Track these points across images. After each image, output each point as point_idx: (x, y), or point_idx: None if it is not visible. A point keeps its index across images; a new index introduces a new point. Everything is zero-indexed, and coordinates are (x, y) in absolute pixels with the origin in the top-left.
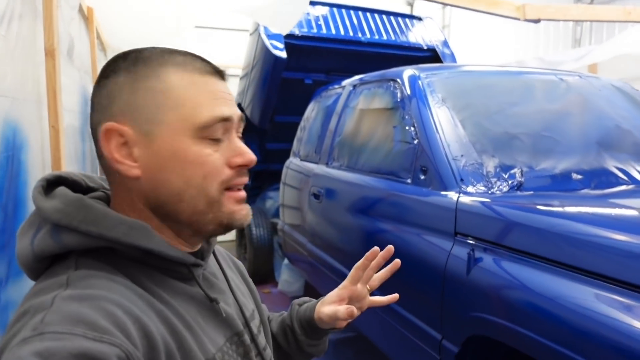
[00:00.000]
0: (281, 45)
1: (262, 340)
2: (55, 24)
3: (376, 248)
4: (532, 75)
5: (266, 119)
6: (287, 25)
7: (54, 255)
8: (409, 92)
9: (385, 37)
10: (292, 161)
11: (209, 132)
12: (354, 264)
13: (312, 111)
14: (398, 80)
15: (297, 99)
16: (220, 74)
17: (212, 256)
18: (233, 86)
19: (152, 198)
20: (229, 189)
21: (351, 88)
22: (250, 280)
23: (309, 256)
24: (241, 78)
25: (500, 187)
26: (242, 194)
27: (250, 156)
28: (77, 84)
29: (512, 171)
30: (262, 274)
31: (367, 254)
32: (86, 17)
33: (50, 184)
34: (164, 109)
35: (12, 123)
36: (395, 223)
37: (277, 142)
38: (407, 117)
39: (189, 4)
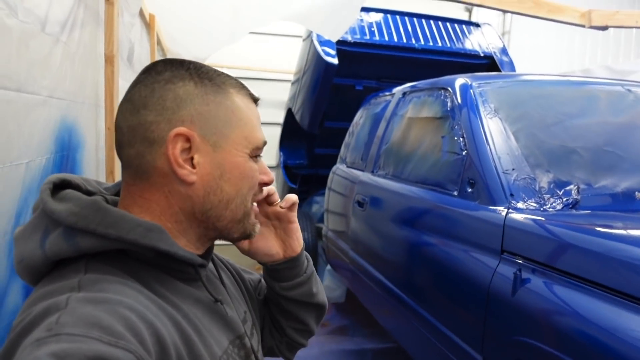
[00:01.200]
0: (333, 52)
1: (254, 342)
2: (116, 32)
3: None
4: (596, 85)
5: (315, 124)
6: (337, 32)
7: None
8: (459, 101)
9: (440, 44)
10: (339, 167)
11: (258, 152)
12: (395, 276)
13: (360, 118)
14: (449, 88)
15: (348, 105)
16: (256, 101)
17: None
18: (285, 91)
19: (199, 203)
20: (254, 202)
21: (401, 95)
22: (245, 279)
23: (350, 264)
24: (293, 83)
25: (554, 204)
26: (257, 208)
27: (272, 176)
28: None
29: (567, 188)
30: None
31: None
32: (147, 23)
33: (55, 187)
34: (231, 125)
35: (69, 124)
36: (439, 236)
37: (326, 148)
38: (456, 127)
39: (244, 11)
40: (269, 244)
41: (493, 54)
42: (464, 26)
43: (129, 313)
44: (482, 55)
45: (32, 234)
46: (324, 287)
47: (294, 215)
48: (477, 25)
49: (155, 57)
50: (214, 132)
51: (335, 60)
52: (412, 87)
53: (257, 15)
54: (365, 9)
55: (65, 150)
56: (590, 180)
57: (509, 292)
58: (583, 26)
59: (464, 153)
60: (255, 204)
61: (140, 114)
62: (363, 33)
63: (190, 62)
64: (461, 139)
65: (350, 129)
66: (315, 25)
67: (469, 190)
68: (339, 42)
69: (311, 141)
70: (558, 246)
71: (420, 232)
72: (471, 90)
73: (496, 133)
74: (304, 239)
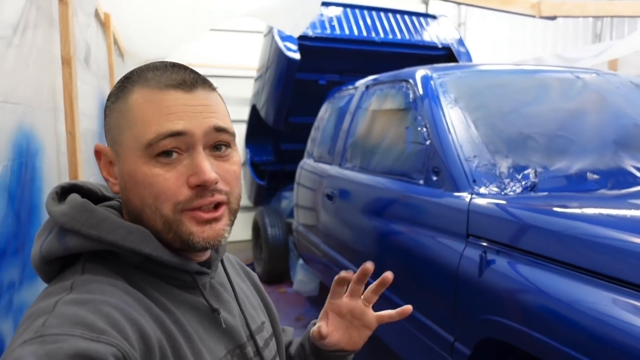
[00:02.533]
0: (294, 47)
1: (268, 354)
2: (71, 32)
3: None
4: (548, 73)
5: (280, 120)
6: (299, 27)
7: (63, 258)
8: (421, 92)
9: (399, 37)
10: (306, 162)
11: (156, 150)
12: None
13: (325, 112)
14: (410, 80)
15: (312, 99)
16: (187, 85)
17: (221, 265)
18: (249, 88)
19: (129, 213)
20: (193, 209)
21: (364, 89)
22: (264, 292)
23: (322, 257)
24: (256, 80)
25: (514, 188)
26: (206, 215)
27: (206, 176)
28: (94, 90)
29: (525, 172)
30: (277, 274)
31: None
32: (103, 22)
33: (65, 192)
34: (121, 130)
35: (26, 130)
36: (407, 224)
37: (292, 143)
38: (419, 117)
39: (204, 8)
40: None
41: (450, 45)
42: (421, 18)
43: (113, 311)
44: (440, 46)
45: (41, 235)
46: (298, 281)
47: (376, 324)
48: (434, 17)
49: (113, 58)
50: (114, 142)
51: (297, 56)
52: (374, 80)
53: (217, 12)
54: (325, 4)
55: (24, 157)
56: (546, 163)
57: (475, 273)
58: (533, 16)
59: (427, 143)
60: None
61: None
62: (324, 27)
63: (131, 72)
64: (424, 129)
65: (316, 123)
66: (276, 22)
67: (434, 178)
68: (300, 37)
69: (277, 137)
70: (519, 227)
71: (389, 221)
72: (432, 82)
73: (457, 122)
74: (275, 236)
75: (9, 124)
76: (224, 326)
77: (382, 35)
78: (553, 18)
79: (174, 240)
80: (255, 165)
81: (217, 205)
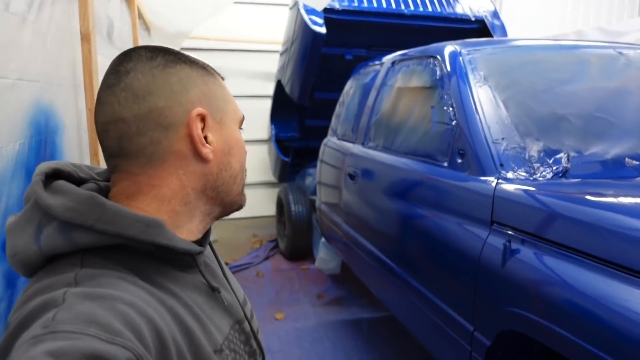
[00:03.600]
0: (320, 21)
1: (254, 325)
2: (91, 8)
3: None
4: (587, 49)
5: (305, 96)
6: (323, 0)
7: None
8: (448, 69)
9: (430, 9)
10: (330, 139)
11: (241, 125)
12: (387, 248)
13: (350, 88)
14: (438, 56)
15: (338, 75)
16: (223, 79)
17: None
18: (274, 62)
19: (212, 180)
20: None
21: (390, 65)
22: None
23: (344, 236)
24: (281, 54)
25: (544, 173)
26: None
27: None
28: None
29: (557, 156)
30: (300, 251)
31: None
32: None
33: (47, 177)
34: (226, 101)
35: (44, 107)
36: (430, 208)
37: (317, 119)
38: (445, 96)
39: None
40: None
41: (484, 17)
42: None
43: (128, 309)
44: (473, 19)
45: (25, 227)
46: (319, 259)
47: None
48: None
49: (138, 32)
50: (217, 110)
51: (323, 30)
52: (401, 55)
53: None
54: None
55: (42, 135)
56: (580, 147)
57: (498, 262)
58: None
59: (453, 123)
60: None
61: (148, 101)
62: (351, 0)
63: (170, 49)
64: (450, 109)
65: (341, 99)
66: None
67: (459, 160)
68: (326, 10)
69: (302, 113)
70: (548, 216)
71: (411, 204)
72: (460, 58)
73: (486, 102)
74: (298, 212)
75: (25, 101)
76: (225, 304)
77: (411, 7)
78: None
79: (240, 201)
80: (280, 142)
81: None
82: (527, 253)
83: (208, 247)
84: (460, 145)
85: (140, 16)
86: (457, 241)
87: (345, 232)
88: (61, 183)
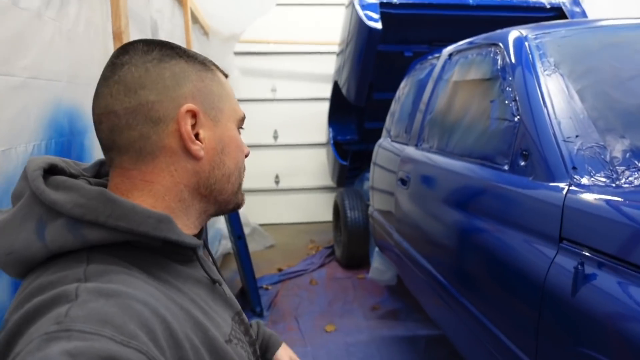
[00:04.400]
0: (376, 16)
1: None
2: (124, 6)
3: None
4: None
5: (362, 97)
6: None
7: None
8: (512, 57)
9: None
10: (383, 141)
11: (242, 124)
12: (439, 263)
13: (405, 86)
14: (500, 44)
15: (397, 74)
16: (226, 77)
17: None
18: (330, 64)
19: (204, 178)
20: None
21: (447, 57)
22: None
23: (395, 246)
24: (338, 55)
25: (631, 179)
26: None
27: (248, 149)
28: None
29: None
30: (356, 259)
31: None
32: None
33: (45, 172)
34: (222, 98)
35: (67, 108)
36: (488, 219)
37: (377, 121)
38: (508, 88)
39: None
40: None
41: (562, 4)
42: None
43: (142, 308)
44: (548, 7)
45: (22, 224)
46: (374, 269)
47: None
48: None
49: (191, 34)
50: (212, 107)
51: (379, 25)
52: (460, 45)
53: None
54: None
55: (65, 136)
56: None
57: (568, 290)
58: None
59: (516, 119)
60: None
61: (139, 95)
62: None
63: (169, 42)
64: (513, 103)
65: (396, 96)
66: None
67: (522, 163)
68: (383, 5)
69: (361, 115)
70: (635, 234)
71: (467, 214)
72: (526, 44)
73: (556, 93)
74: (354, 219)
75: (42, 101)
76: (228, 296)
77: None
78: None
79: (236, 200)
80: (338, 145)
81: None
82: (605, 280)
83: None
84: (523, 145)
85: (196, 20)
86: (519, 260)
87: (397, 242)
88: (63, 179)
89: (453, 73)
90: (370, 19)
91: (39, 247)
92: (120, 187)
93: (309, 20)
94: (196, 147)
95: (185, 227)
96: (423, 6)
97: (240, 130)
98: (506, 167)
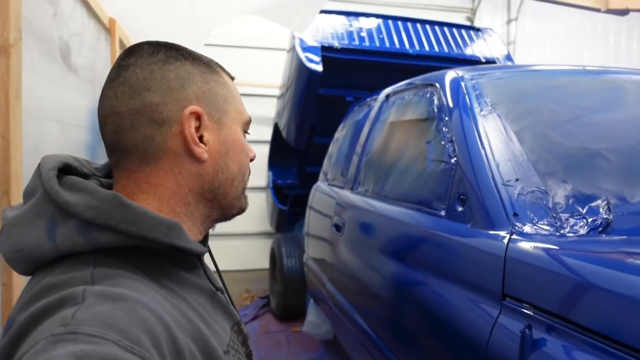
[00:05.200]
0: (317, 58)
1: (244, 327)
2: (15, 17)
3: None
4: (618, 74)
5: (302, 140)
6: (304, 24)
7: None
8: (449, 97)
9: (437, 49)
10: (320, 184)
11: (247, 127)
12: (374, 318)
13: (342, 129)
14: (437, 84)
15: (339, 118)
16: (233, 79)
17: None
18: (271, 106)
19: (208, 182)
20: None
21: (384, 98)
22: None
23: (329, 298)
24: (278, 98)
25: (575, 227)
26: None
27: (254, 152)
28: (84, 96)
29: (593, 204)
30: (292, 310)
31: None
32: (107, 28)
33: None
34: (228, 101)
35: None
36: (425, 270)
37: (319, 165)
38: (444, 128)
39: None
40: None
41: (496, 59)
42: (463, 31)
43: (148, 314)
44: (483, 60)
45: (33, 222)
46: (309, 322)
47: None
48: (478, 30)
49: None
50: (217, 109)
51: (319, 67)
52: (398, 87)
53: (217, 12)
54: (354, 14)
55: None
56: (624, 192)
57: (515, 356)
58: (599, 10)
59: (452, 161)
60: None
61: (143, 96)
62: (351, 39)
63: (174, 44)
64: (449, 144)
65: (332, 143)
66: (279, 19)
67: (459, 208)
68: (324, 49)
69: (302, 159)
70: (585, 291)
71: (403, 264)
72: (463, 84)
73: (493, 134)
74: (291, 267)
75: None
76: (228, 305)
77: (417, 47)
78: (624, 12)
79: (240, 204)
80: (277, 189)
81: None
82: (555, 347)
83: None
84: (461, 189)
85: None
86: (459, 320)
87: (330, 294)
88: (76, 179)
89: (390, 114)
90: (311, 61)
91: (49, 247)
92: (126, 189)
93: (251, 63)
94: (200, 150)
95: (191, 233)
96: (364, 52)
97: (246, 133)
98: (443, 213)
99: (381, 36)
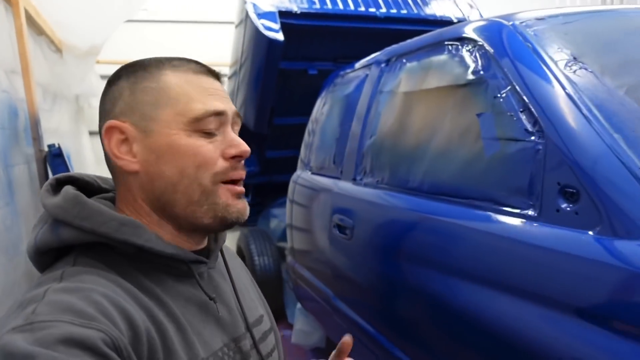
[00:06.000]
0: (276, 26)
1: (264, 348)
2: None
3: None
4: None
5: (263, 122)
6: None
7: (57, 250)
8: (510, 53)
9: (405, 11)
10: (301, 175)
11: (202, 125)
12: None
13: (323, 106)
14: (477, 38)
15: (301, 95)
16: (213, 73)
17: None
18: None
19: (149, 191)
20: (225, 182)
21: (383, 65)
22: (256, 286)
23: (334, 313)
24: (229, 77)
25: None
26: (240, 188)
27: (244, 147)
28: None
29: None
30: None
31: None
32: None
33: (60, 184)
34: (159, 106)
35: None
36: (498, 290)
37: (280, 149)
38: (504, 94)
39: None
40: None
41: (467, 18)
42: None
43: (101, 298)
44: (455, 21)
45: (36, 227)
46: (297, 332)
47: None
48: None
49: (26, 44)
50: (142, 117)
51: (280, 36)
52: (396, 50)
53: None
54: None
55: None
56: None
57: None
58: None
59: (534, 138)
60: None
61: (98, 125)
62: (312, 2)
63: (137, 61)
64: (523, 114)
65: (310, 124)
66: None
67: (566, 207)
68: (282, 14)
69: (260, 143)
70: None
71: (457, 280)
72: (520, 34)
73: (599, 96)
74: (264, 266)
75: None
76: (222, 317)
77: (384, 9)
78: None
79: (206, 213)
80: None
81: (239, 182)
82: None
83: (223, 263)
84: (563, 178)
85: (42, 32)
86: None
87: (336, 308)
88: (66, 187)
89: (398, 82)
90: (270, 29)
91: (31, 246)
92: (116, 199)
93: (192, 40)
94: (122, 162)
95: (177, 240)
96: (327, 17)
97: (201, 131)
98: (532, 212)
99: None
